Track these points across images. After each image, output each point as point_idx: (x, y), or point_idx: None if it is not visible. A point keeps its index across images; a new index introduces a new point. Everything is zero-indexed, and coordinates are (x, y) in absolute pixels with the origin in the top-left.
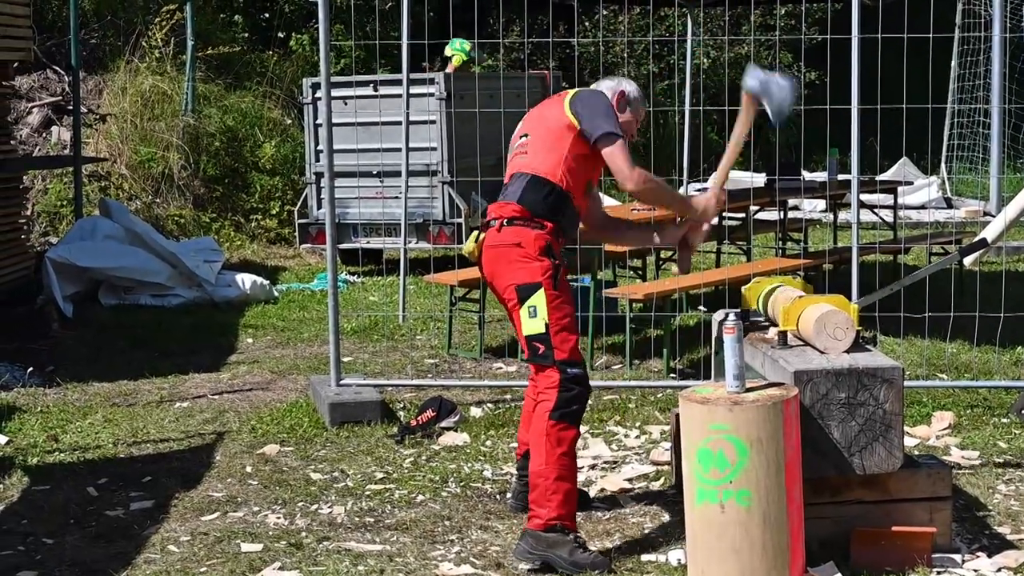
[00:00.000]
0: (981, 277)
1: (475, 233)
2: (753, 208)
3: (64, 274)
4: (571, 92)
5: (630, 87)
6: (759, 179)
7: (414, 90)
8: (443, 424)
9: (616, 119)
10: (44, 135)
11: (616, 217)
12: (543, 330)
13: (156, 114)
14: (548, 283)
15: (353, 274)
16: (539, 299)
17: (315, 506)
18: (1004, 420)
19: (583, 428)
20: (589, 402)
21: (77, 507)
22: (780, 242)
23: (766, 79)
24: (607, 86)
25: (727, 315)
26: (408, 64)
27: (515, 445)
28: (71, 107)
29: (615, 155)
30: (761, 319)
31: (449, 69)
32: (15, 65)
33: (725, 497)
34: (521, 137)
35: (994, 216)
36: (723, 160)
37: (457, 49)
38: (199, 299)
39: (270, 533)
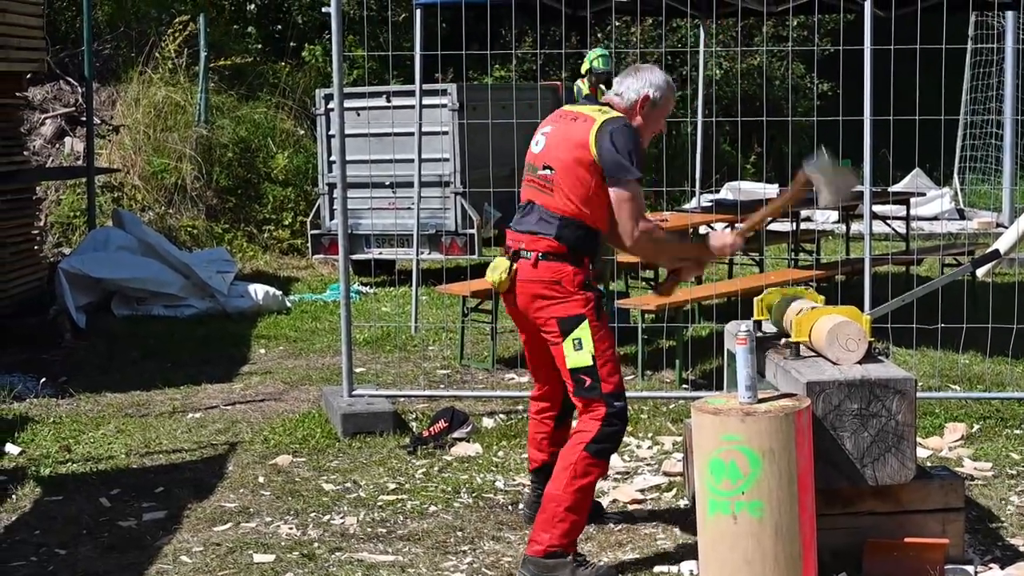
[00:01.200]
0: (994, 288)
1: (504, 262)
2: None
3: (77, 285)
4: (599, 121)
5: (653, 89)
6: (772, 190)
7: (427, 101)
8: (455, 435)
9: (637, 159)
10: (57, 146)
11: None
12: (591, 362)
13: (169, 125)
14: (591, 315)
15: (365, 285)
16: (584, 331)
17: (327, 517)
18: (1017, 431)
19: None
20: None
21: (90, 518)
22: (792, 253)
23: (833, 174)
24: (632, 88)
25: (739, 326)
26: (421, 75)
27: (528, 456)
28: (84, 118)
29: (622, 207)
30: (773, 330)
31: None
32: (28, 76)
33: (737, 508)
34: (545, 168)
35: (1007, 227)
36: (757, 214)
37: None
38: (212, 310)
39: (282, 544)
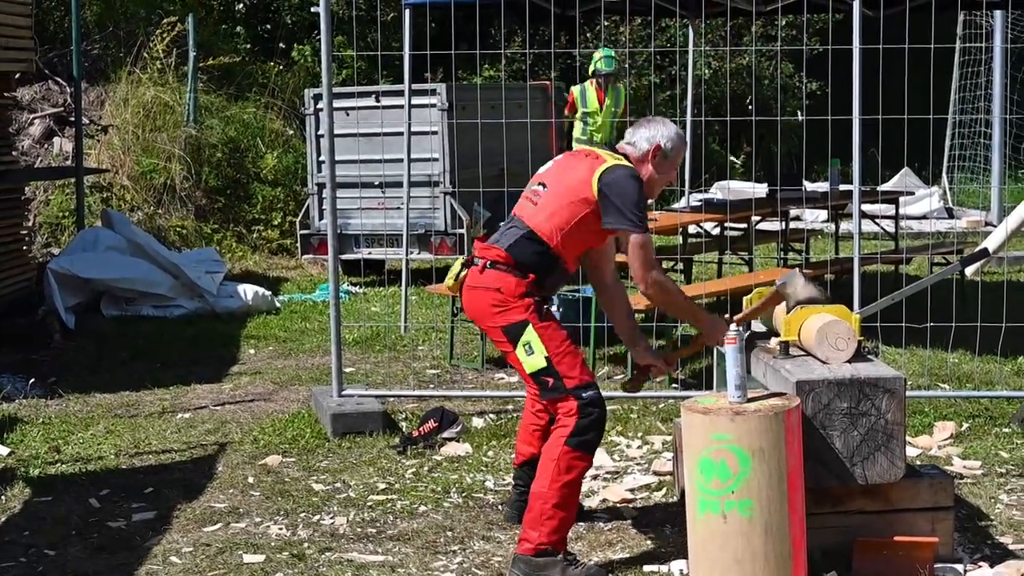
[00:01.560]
0: (983, 287)
1: (457, 265)
2: (755, 218)
3: (66, 285)
4: (606, 164)
5: (666, 141)
6: (761, 189)
7: (416, 101)
8: (445, 435)
9: (642, 209)
10: (46, 146)
11: (622, 299)
12: (544, 364)
13: (158, 125)
14: (533, 317)
15: (355, 285)
16: (531, 335)
17: (317, 517)
18: (1006, 430)
19: None
20: None
21: (79, 518)
22: (782, 252)
23: (804, 293)
24: (644, 138)
25: (729, 326)
26: (410, 75)
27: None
28: (73, 118)
29: (636, 253)
30: (763, 329)
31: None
32: (17, 76)
33: (727, 507)
34: (539, 184)
35: (995, 226)
36: (747, 312)
37: (606, 56)
38: (201, 310)
39: (272, 544)
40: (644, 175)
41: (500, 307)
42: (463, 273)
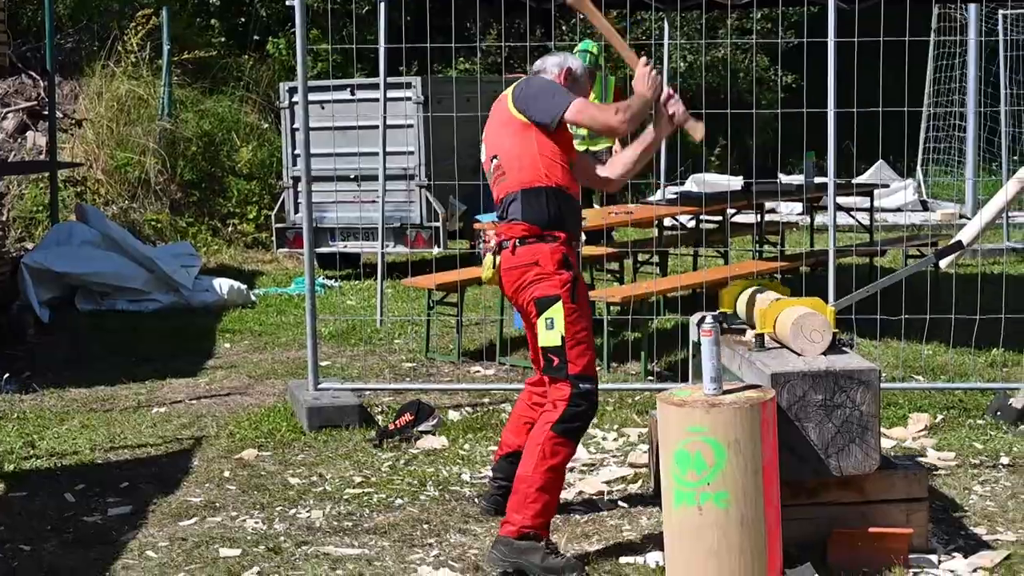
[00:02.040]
0: (957, 279)
1: (490, 257)
2: (730, 211)
3: (40, 279)
4: (510, 92)
5: (575, 63)
6: (736, 183)
7: (391, 94)
8: (421, 428)
9: (561, 88)
10: (19, 140)
11: (613, 160)
12: (559, 343)
13: (132, 119)
14: (567, 295)
15: (331, 278)
16: (557, 311)
17: (293, 510)
18: (980, 421)
19: None
20: None
21: (54, 513)
22: (757, 245)
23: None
24: (553, 63)
25: (704, 318)
26: (385, 68)
27: (494, 448)
28: (47, 112)
29: (584, 115)
30: (739, 322)
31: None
32: None
33: (703, 499)
34: (492, 160)
35: (970, 219)
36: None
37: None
38: (176, 304)
39: (248, 538)
40: None
41: (538, 279)
42: (498, 261)
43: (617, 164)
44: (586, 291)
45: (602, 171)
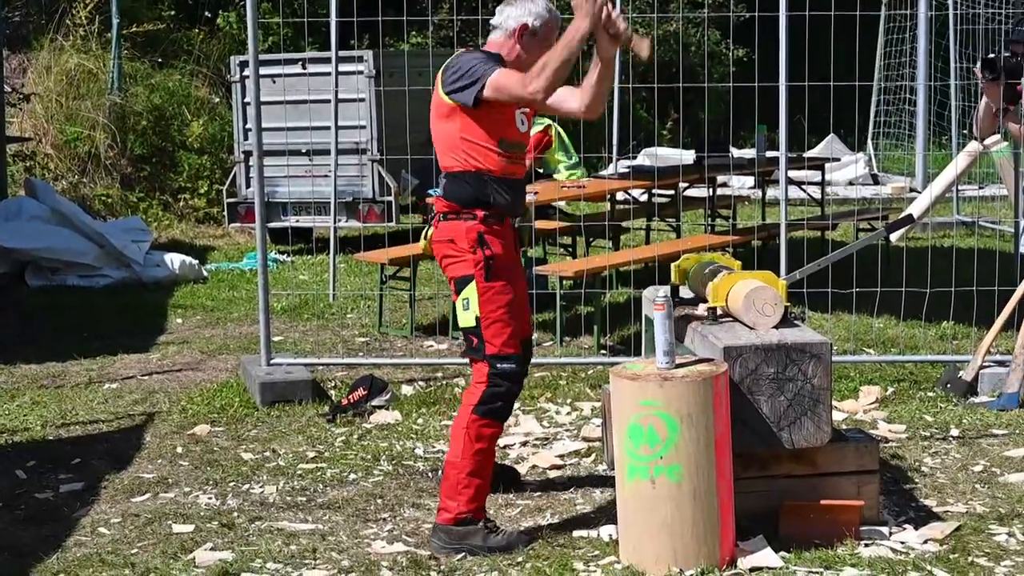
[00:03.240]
0: (907, 253)
1: (427, 229)
2: (682, 185)
3: None
4: (440, 74)
5: (533, 18)
6: (688, 156)
7: (343, 68)
8: (374, 403)
9: (482, 63)
10: None
11: (575, 92)
12: (474, 323)
13: (82, 93)
14: (480, 275)
15: (283, 253)
16: (471, 292)
17: (247, 486)
18: (930, 394)
19: (515, 405)
20: None
21: (5, 490)
22: (709, 219)
23: None
24: (512, 15)
25: (657, 292)
26: (337, 42)
27: (448, 423)
28: None
29: (502, 88)
30: (690, 295)
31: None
32: None
33: (656, 473)
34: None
35: (920, 192)
36: None
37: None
38: (127, 279)
39: (202, 514)
40: (511, 55)
41: (452, 258)
42: (431, 232)
43: (580, 95)
44: (511, 269)
45: (570, 104)
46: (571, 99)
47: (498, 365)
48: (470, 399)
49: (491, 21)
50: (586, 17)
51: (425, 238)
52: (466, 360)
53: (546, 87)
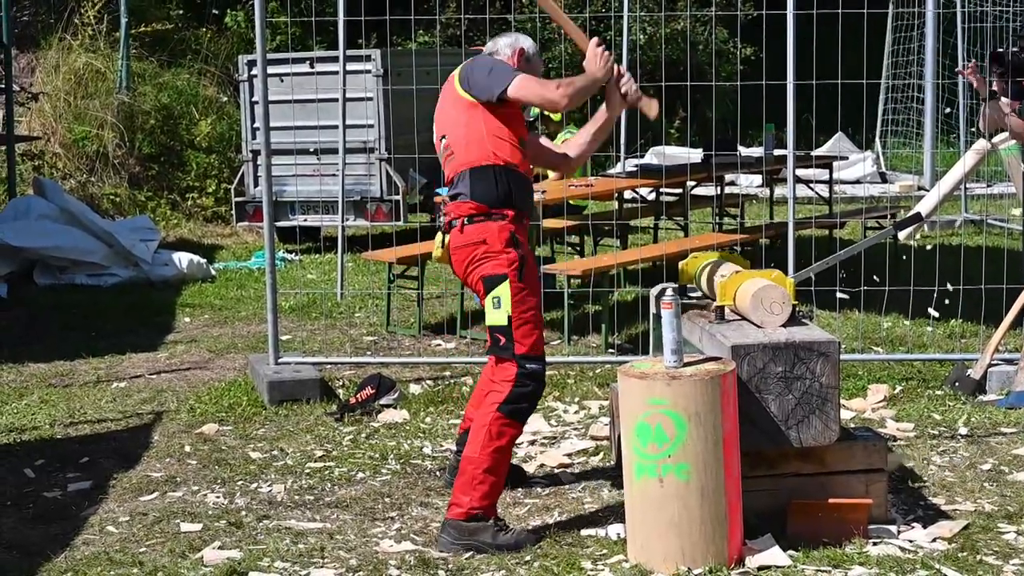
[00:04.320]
0: (915, 251)
1: (440, 236)
2: (690, 184)
3: None
4: (458, 72)
5: (527, 43)
6: (696, 155)
7: (351, 67)
8: (382, 401)
9: (505, 65)
10: None
11: (569, 142)
12: (505, 322)
13: (90, 92)
14: (513, 275)
15: (291, 252)
16: (503, 291)
17: (255, 485)
18: (938, 392)
19: None
20: None
21: (14, 489)
22: (717, 217)
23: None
24: (505, 44)
25: (665, 290)
26: (345, 41)
27: (456, 421)
28: (3, 85)
29: (526, 91)
30: (698, 294)
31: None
32: None
33: (664, 471)
34: (442, 140)
35: (928, 190)
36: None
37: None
38: (135, 278)
39: (210, 512)
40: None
41: (486, 258)
42: (447, 240)
43: (572, 145)
44: (536, 270)
45: (558, 152)
46: (558, 98)
47: (527, 365)
48: (495, 397)
49: (484, 49)
50: (602, 69)
51: (442, 246)
52: (473, 359)
53: (571, 95)
